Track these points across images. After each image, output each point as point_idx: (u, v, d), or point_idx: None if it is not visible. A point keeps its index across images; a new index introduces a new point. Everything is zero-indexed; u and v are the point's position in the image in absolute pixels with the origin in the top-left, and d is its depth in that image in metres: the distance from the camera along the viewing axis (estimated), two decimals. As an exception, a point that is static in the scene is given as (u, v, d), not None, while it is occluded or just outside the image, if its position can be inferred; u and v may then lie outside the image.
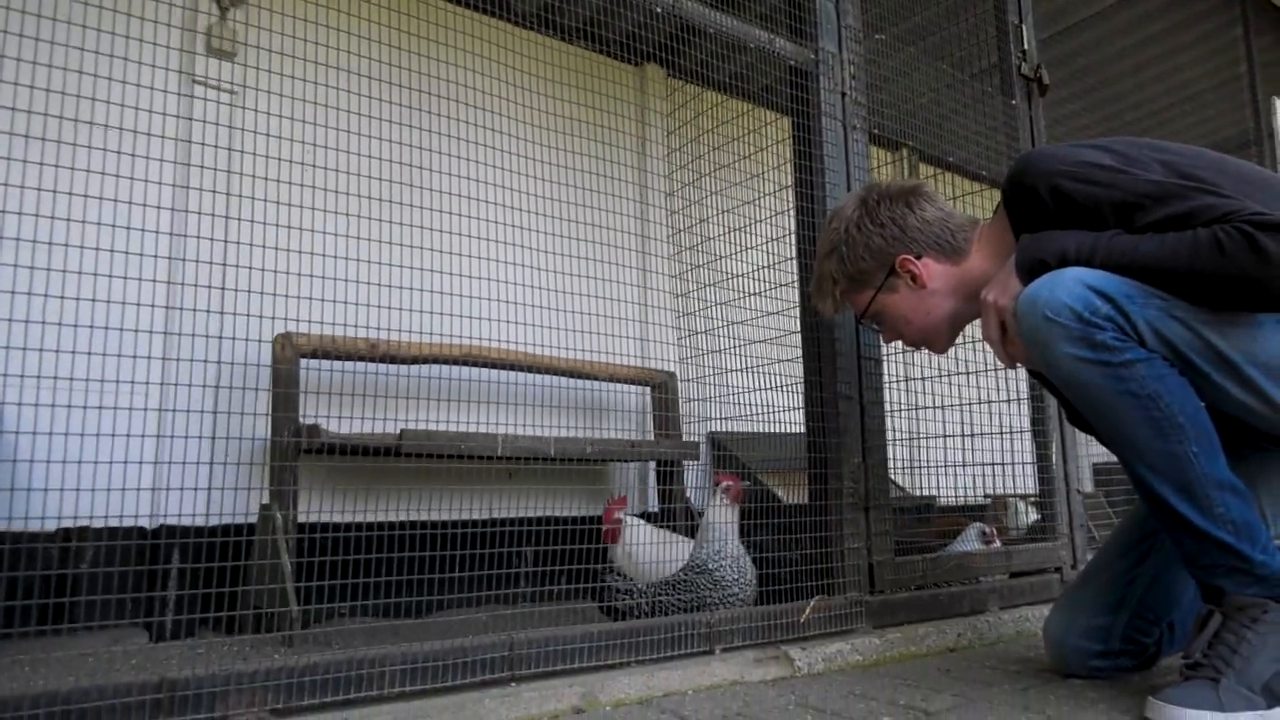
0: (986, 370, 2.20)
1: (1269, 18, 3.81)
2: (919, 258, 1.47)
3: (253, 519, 1.97)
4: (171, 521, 2.07)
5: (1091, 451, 2.64)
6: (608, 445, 2.41)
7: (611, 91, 3.06)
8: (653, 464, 2.73)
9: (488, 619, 1.86)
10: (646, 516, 2.80)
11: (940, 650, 1.77)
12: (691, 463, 2.65)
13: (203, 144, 2.04)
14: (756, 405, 2.11)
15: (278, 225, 1.47)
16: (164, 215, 1.98)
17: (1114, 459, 1.31)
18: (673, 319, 2.80)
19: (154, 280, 1.69)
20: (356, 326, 1.64)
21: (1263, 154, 3.56)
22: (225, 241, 1.84)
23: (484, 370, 2.31)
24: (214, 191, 1.96)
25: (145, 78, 1.49)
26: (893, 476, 2.15)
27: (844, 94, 1.98)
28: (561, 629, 1.44)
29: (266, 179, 1.45)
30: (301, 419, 2.02)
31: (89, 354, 1.30)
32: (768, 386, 2.11)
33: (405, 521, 1.87)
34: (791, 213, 1.99)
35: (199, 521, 2.05)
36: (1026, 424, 2.27)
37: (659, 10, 1.77)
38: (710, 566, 1.81)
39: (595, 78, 2.73)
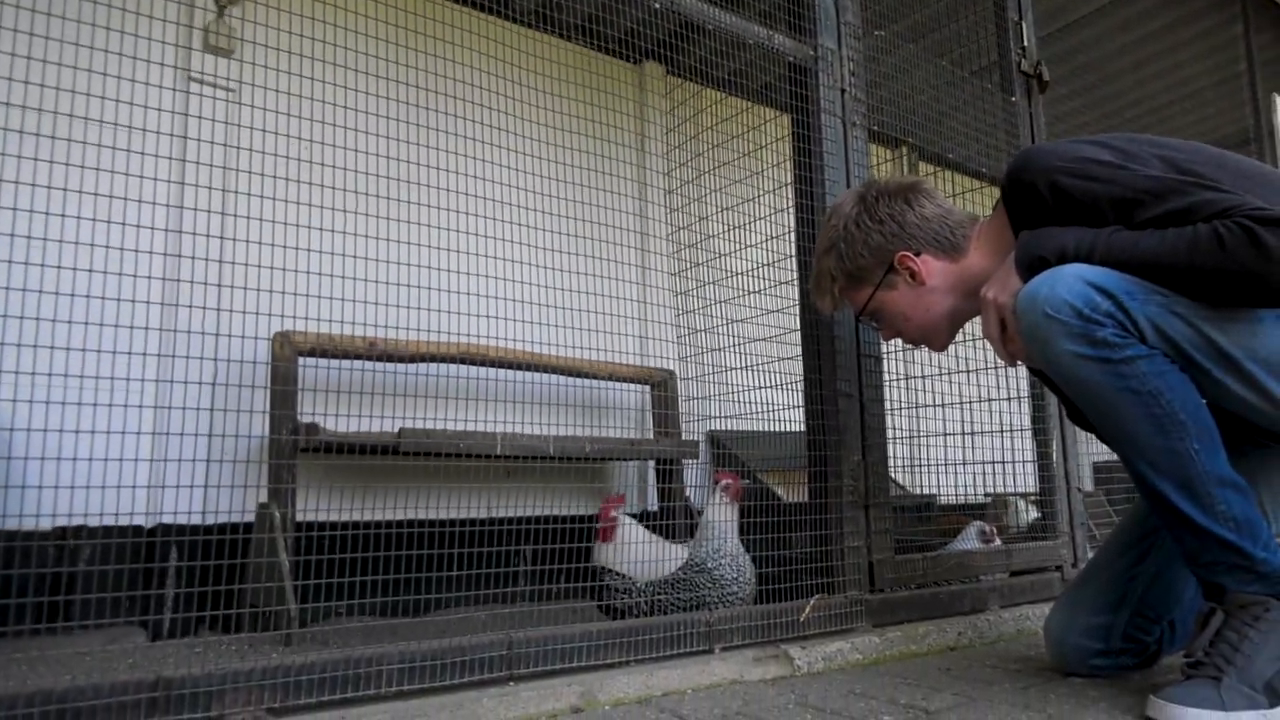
0: (987, 368, 2.19)
1: (1269, 15, 3.80)
2: (918, 254, 1.47)
3: (251, 517, 1.96)
4: (169, 520, 2.06)
5: (1092, 450, 2.64)
6: (607, 444, 2.41)
7: (611, 89, 3.05)
8: (652, 463, 2.72)
9: (486, 618, 1.85)
10: (645, 515, 2.80)
11: (941, 649, 1.76)
12: (691, 461, 2.64)
13: (198, 140, 2.03)
14: (756, 403, 2.11)
15: (273, 222, 1.46)
16: (161, 212, 1.97)
17: (1114, 457, 1.30)
18: (672, 317, 2.80)
19: (149, 277, 1.69)
20: (354, 324, 1.63)
21: (1263, 151, 3.55)
22: (221, 238, 1.83)
23: (483, 369, 2.30)
24: (210, 188, 1.95)
25: (142, 74, 1.48)
26: (893, 475, 2.14)
27: (843, 90, 1.98)
28: (560, 628, 1.44)
29: (263, 175, 1.44)
30: (300, 417, 2.02)
31: (83, 350, 1.29)
32: (767, 384, 2.11)
33: (404, 520, 1.86)
34: (791, 210, 1.99)
35: (197, 520, 2.04)
36: (1027, 422, 2.26)
37: (657, 6, 1.76)
38: (709, 565, 1.81)
39: (595, 75, 2.73)
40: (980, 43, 2.44)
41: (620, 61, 3.14)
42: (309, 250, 1.53)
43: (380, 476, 2.32)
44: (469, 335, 2.17)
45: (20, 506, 1.68)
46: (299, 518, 1.96)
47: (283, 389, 2.00)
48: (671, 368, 2.76)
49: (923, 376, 2.24)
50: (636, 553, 1.92)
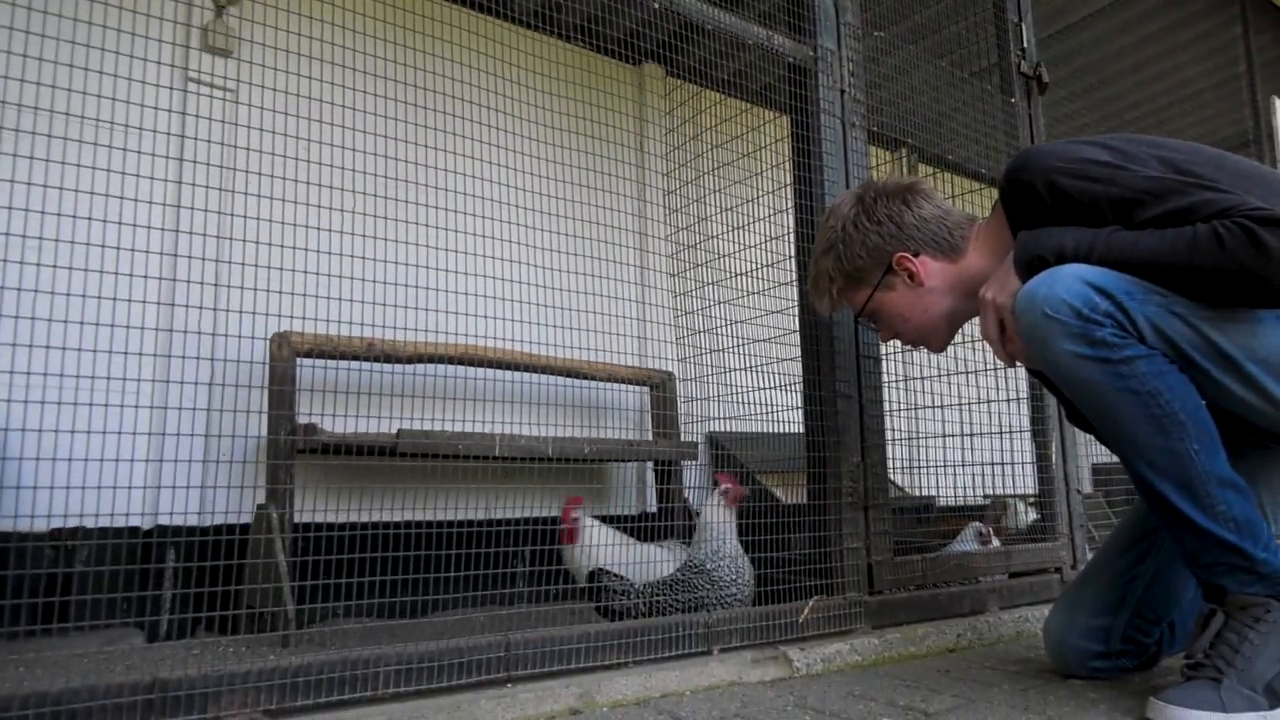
0: (986, 369, 2.19)
1: (1268, 17, 3.80)
2: (916, 255, 1.46)
3: (248, 518, 1.96)
4: (167, 521, 2.06)
5: (1091, 452, 2.63)
6: (606, 445, 2.40)
7: (610, 89, 3.05)
8: (650, 464, 2.72)
9: (484, 619, 1.85)
10: (644, 516, 2.80)
11: (940, 651, 1.76)
12: (690, 462, 2.64)
13: (195, 139, 2.03)
14: (755, 405, 2.11)
15: (272, 221, 1.45)
16: (158, 211, 1.97)
17: (1113, 459, 1.30)
18: (671, 318, 2.80)
19: (145, 276, 1.68)
20: (352, 323, 1.63)
21: (1262, 153, 3.55)
22: (219, 238, 1.83)
23: (482, 369, 2.30)
24: (208, 188, 1.95)
25: (140, 73, 1.48)
26: (892, 476, 2.14)
27: (843, 91, 1.98)
28: (558, 629, 1.43)
29: (261, 174, 1.44)
30: (298, 418, 2.01)
31: (79, 350, 1.29)
32: (766, 385, 2.10)
33: (402, 521, 1.86)
34: (790, 211, 1.99)
35: (194, 521, 2.03)
36: (1026, 423, 2.26)
37: (657, 6, 1.76)
38: (708, 567, 1.80)
39: (594, 76, 2.72)
40: (980, 44, 2.44)
41: (620, 63, 3.14)
42: (308, 250, 1.53)
43: (378, 477, 2.31)
44: (468, 336, 2.16)
45: (15, 507, 1.68)
46: (297, 519, 1.96)
47: (281, 389, 1.99)
48: (670, 369, 2.76)
49: (922, 378, 2.24)
50: (597, 557, 1.91)
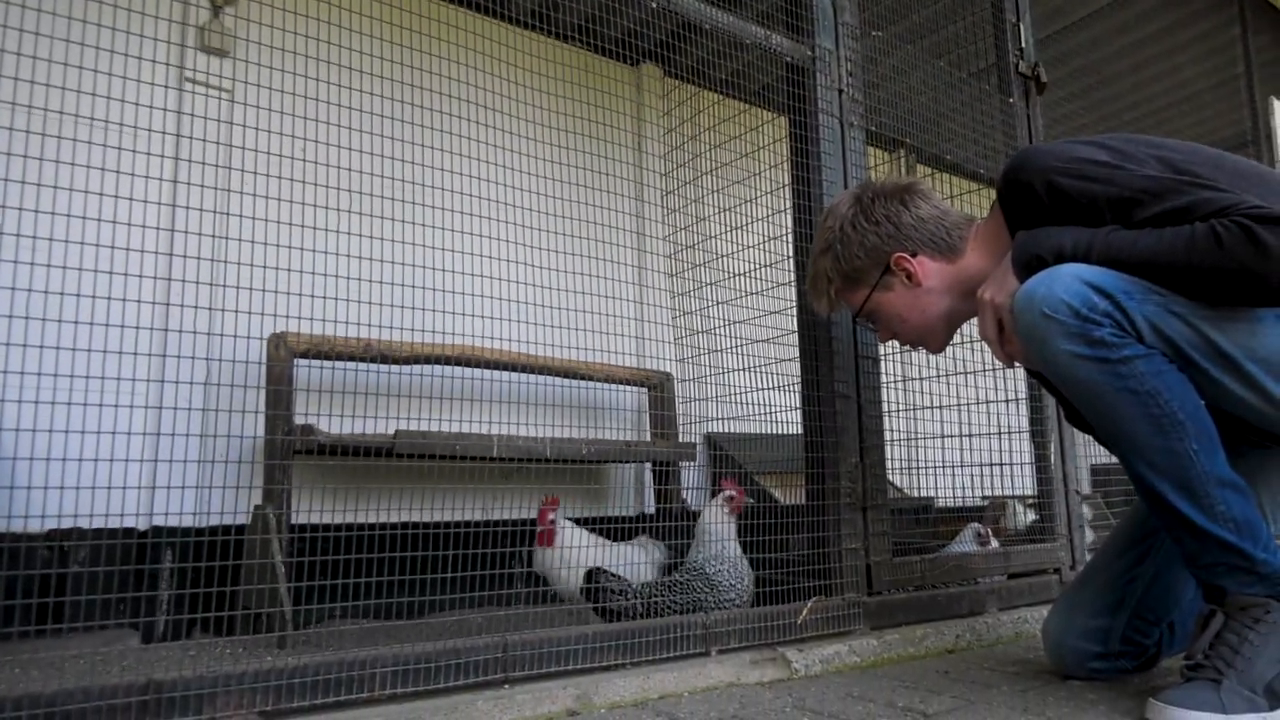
0: (985, 370, 2.18)
1: (1267, 18, 3.80)
2: (914, 256, 1.46)
3: (245, 519, 1.95)
4: (163, 521, 2.05)
5: (1090, 453, 2.63)
6: (604, 446, 2.40)
7: (608, 90, 3.05)
8: (649, 465, 2.71)
9: (482, 620, 1.84)
10: (642, 518, 2.79)
11: (939, 652, 1.75)
12: (688, 463, 2.63)
13: (192, 138, 2.02)
14: (754, 405, 2.10)
15: (269, 221, 1.45)
16: (155, 210, 1.96)
17: (1112, 459, 1.30)
18: (669, 318, 2.79)
19: (141, 275, 1.67)
20: (349, 323, 1.62)
21: (1260, 153, 3.55)
22: (214, 237, 1.82)
23: (479, 370, 2.29)
24: (204, 187, 1.94)
25: (137, 73, 1.47)
26: (890, 477, 2.14)
27: (841, 91, 1.97)
28: (556, 630, 1.43)
29: (257, 174, 1.43)
30: (295, 418, 2.01)
31: (74, 350, 1.28)
32: (765, 386, 2.10)
33: (399, 522, 1.85)
34: (789, 211, 1.98)
35: (191, 522, 2.03)
36: (1025, 424, 2.25)
37: (654, 6, 1.76)
38: (708, 570, 1.80)
39: (592, 76, 2.72)
40: (978, 44, 2.44)
41: (618, 63, 3.14)
42: (305, 250, 1.52)
43: (376, 478, 2.31)
44: (465, 336, 2.16)
45: (9, 508, 1.67)
46: (294, 519, 1.95)
47: (278, 390, 1.99)
48: (669, 369, 2.75)
49: (921, 378, 2.23)
50: (573, 559, 1.91)
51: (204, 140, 2.00)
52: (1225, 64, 3.71)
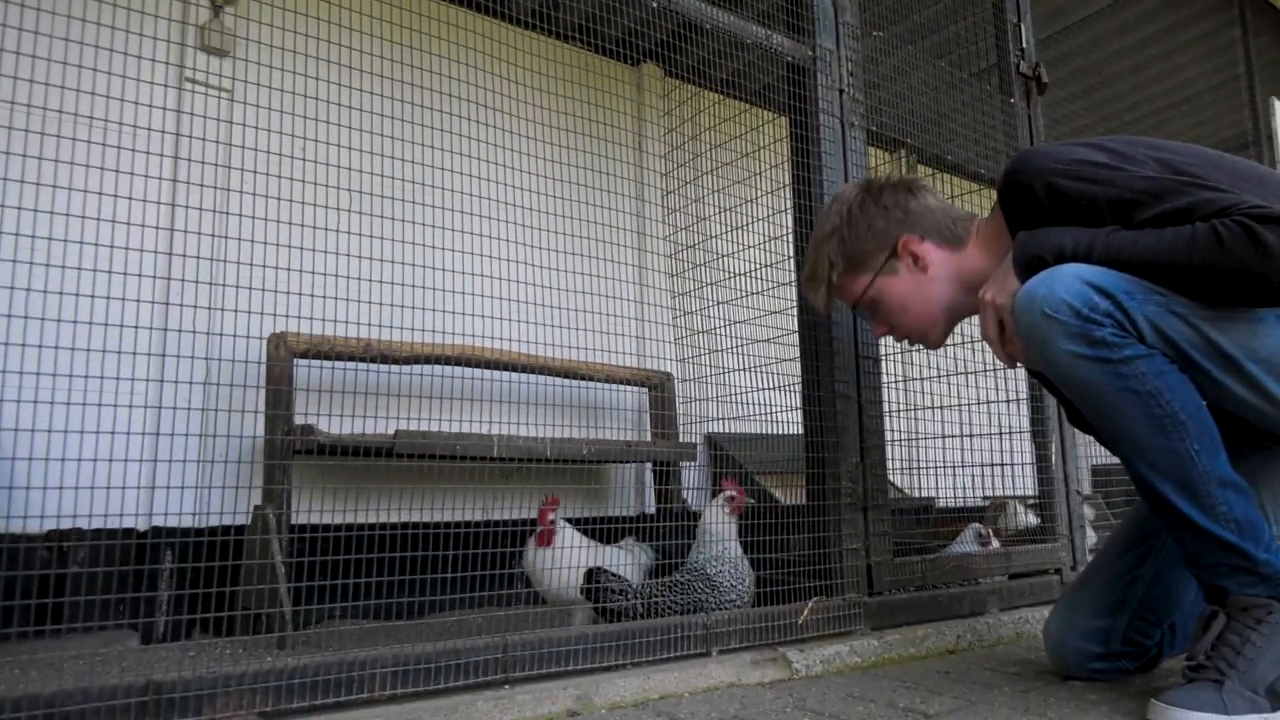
0: (986, 370, 2.18)
1: (1268, 18, 3.80)
2: (921, 240, 1.46)
3: (245, 519, 1.95)
4: (163, 522, 2.05)
5: (1091, 454, 2.63)
6: (605, 446, 2.39)
7: (609, 89, 3.05)
8: (649, 465, 2.71)
9: (482, 620, 1.84)
10: (643, 518, 2.79)
11: (940, 652, 1.75)
12: (689, 463, 2.63)
13: (192, 138, 2.02)
14: (754, 405, 2.10)
15: (269, 221, 1.45)
16: (155, 210, 1.96)
17: (1113, 460, 1.29)
18: (670, 318, 2.79)
19: (140, 275, 1.67)
20: (349, 323, 1.62)
21: (1261, 155, 3.55)
22: (214, 237, 1.82)
23: (480, 370, 2.29)
24: (204, 187, 1.94)
25: (136, 72, 1.47)
26: (891, 477, 2.13)
27: (842, 90, 1.97)
28: (556, 630, 1.43)
29: (257, 174, 1.43)
30: (295, 418, 2.00)
31: (72, 349, 1.28)
32: (765, 386, 2.10)
33: (399, 522, 1.85)
34: (789, 211, 1.98)
35: (191, 522, 2.02)
36: (1026, 424, 2.25)
37: (655, 5, 1.76)
38: (709, 571, 1.80)
39: (593, 74, 2.72)
40: (979, 45, 2.44)
41: (619, 63, 3.14)
42: (305, 250, 1.52)
43: (376, 478, 2.30)
44: (466, 336, 2.16)
45: (9, 508, 1.66)
46: (294, 520, 1.95)
47: (278, 390, 1.99)
48: (669, 369, 2.75)
49: (921, 379, 2.23)
50: (565, 559, 1.91)
51: (204, 140, 2.00)
52: (1226, 65, 3.71)
